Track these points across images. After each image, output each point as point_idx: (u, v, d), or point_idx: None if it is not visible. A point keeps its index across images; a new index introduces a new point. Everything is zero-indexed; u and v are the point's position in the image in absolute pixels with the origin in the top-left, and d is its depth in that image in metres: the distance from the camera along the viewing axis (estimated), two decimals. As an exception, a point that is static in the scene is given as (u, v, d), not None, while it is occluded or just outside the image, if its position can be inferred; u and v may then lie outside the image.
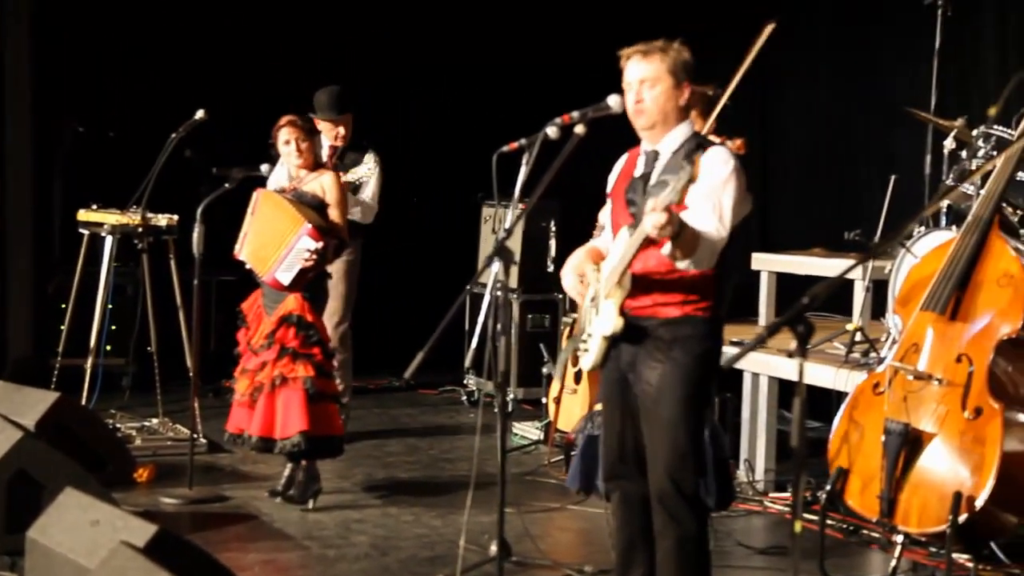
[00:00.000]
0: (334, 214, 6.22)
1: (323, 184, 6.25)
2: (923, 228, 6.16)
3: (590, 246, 4.55)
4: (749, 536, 5.95)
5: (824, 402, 6.68)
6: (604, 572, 5.19)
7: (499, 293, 4.37)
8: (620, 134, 4.50)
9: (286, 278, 6.07)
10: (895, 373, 5.09)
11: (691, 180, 3.88)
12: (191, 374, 6.73)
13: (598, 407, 5.08)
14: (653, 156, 4.32)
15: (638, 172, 4.35)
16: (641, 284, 4.20)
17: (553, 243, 8.88)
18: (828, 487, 5.16)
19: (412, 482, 6.91)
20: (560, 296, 8.65)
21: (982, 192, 5.28)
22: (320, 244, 6.02)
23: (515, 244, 8.50)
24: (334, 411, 6.25)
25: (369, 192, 7.55)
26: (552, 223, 8.88)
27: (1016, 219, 5.66)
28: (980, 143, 5.92)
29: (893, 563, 5.22)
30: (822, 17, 9.17)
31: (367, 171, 7.43)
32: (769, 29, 6.00)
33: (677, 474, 4.23)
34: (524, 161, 4.47)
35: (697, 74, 4.36)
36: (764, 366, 6.72)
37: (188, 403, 6.79)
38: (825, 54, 9.13)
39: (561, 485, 6.59)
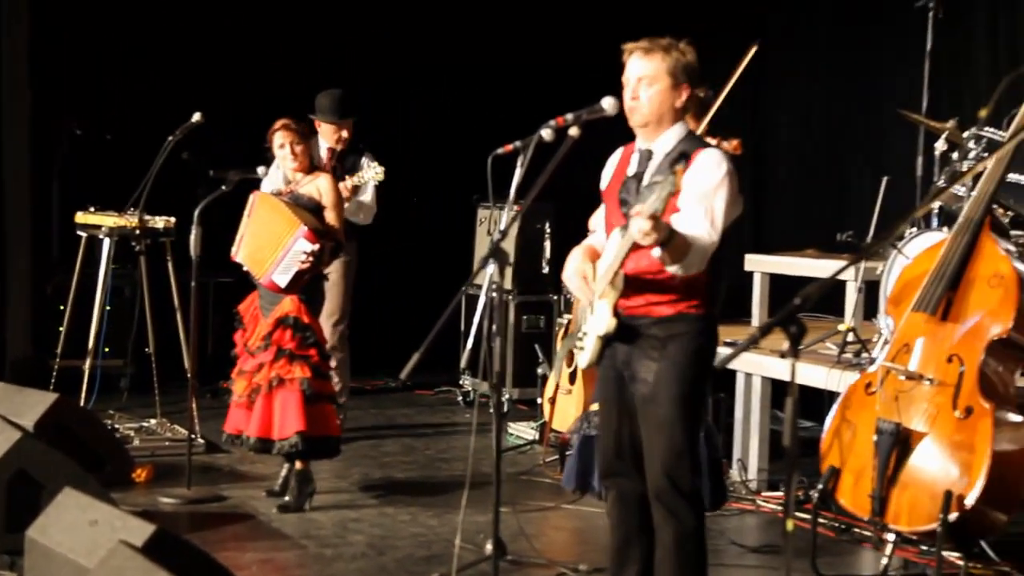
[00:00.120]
0: (330, 216, 6.24)
1: (319, 187, 6.27)
2: (914, 229, 6.16)
3: (586, 245, 4.56)
4: (742, 535, 5.98)
5: (816, 402, 6.72)
6: (599, 570, 5.21)
7: (494, 294, 4.40)
8: (614, 136, 4.51)
9: (283, 280, 6.08)
10: (887, 373, 5.09)
11: (673, 192, 3.87)
12: (189, 375, 6.73)
13: (594, 407, 5.09)
14: (647, 155, 4.32)
15: (631, 171, 4.35)
16: (634, 284, 4.21)
17: (548, 245, 8.92)
18: (820, 486, 5.16)
19: (408, 482, 6.93)
20: (555, 297, 8.68)
21: (973, 193, 5.28)
22: (316, 246, 6.04)
23: (510, 246, 8.50)
24: (330, 412, 6.26)
25: (368, 194, 7.58)
26: (547, 225, 8.92)
27: (1007, 220, 5.68)
28: (971, 145, 5.92)
29: (884, 561, 5.24)
30: (815, 19, 9.19)
31: (375, 173, 7.43)
32: (752, 51, 6.08)
33: (674, 471, 4.24)
34: (519, 163, 4.51)
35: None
36: (757, 366, 6.74)
37: (186, 404, 6.80)
38: (818, 56, 9.14)
39: (556, 484, 6.62)
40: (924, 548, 5.45)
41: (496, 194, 4.70)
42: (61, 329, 7.92)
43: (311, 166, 6.41)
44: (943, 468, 4.82)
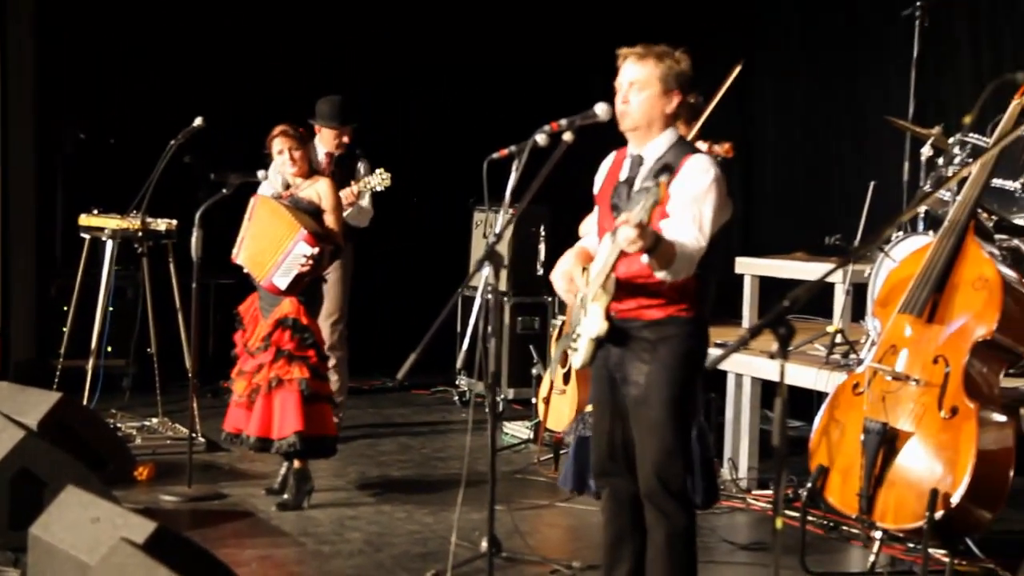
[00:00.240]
0: (329, 220, 6.28)
1: (318, 191, 6.31)
2: (901, 233, 6.19)
3: (579, 247, 4.56)
4: (733, 532, 6.01)
5: (805, 402, 6.77)
6: (592, 567, 5.23)
7: (490, 296, 4.44)
8: (607, 141, 4.55)
9: (283, 283, 6.12)
10: (874, 374, 5.13)
11: (657, 202, 3.89)
12: (190, 375, 6.77)
13: (589, 408, 5.11)
14: (638, 161, 4.34)
15: (623, 176, 4.37)
16: (625, 288, 4.24)
17: (542, 247, 8.95)
18: (809, 484, 5.21)
19: (405, 480, 6.97)
20: (549, 299, 8.73)
21: (958, 198, 5.32)
22: (316, 250, 6.08)
23: (505, 248, 8.52)
24: (328, 412, 6.30)
25: (367, 197, 7.64)
26: (541, 228, 8.95)
27: (991, 224, 5.72)
28: (956, 150, 5.96)
29: (872, 558, 5.27)
30: (804, 26, 9.22)
31: (381, 180, 7.47)
32: (737, 70, 6.14)
33: (664, 472, 4.26)
34: (514, 167, 4.53)
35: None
36: (747, 367, 6.75)
37: (187, 403, 6.82)
38: (807, 63, 9.18)
39: (550, 483, 6.67)
40: (911, 545, 5.50)
41: (491, 197, 4.72)
42: (64, 329, 7.95)
43: (310, 170, 6.47)
44: (929, 467, 4.86)
